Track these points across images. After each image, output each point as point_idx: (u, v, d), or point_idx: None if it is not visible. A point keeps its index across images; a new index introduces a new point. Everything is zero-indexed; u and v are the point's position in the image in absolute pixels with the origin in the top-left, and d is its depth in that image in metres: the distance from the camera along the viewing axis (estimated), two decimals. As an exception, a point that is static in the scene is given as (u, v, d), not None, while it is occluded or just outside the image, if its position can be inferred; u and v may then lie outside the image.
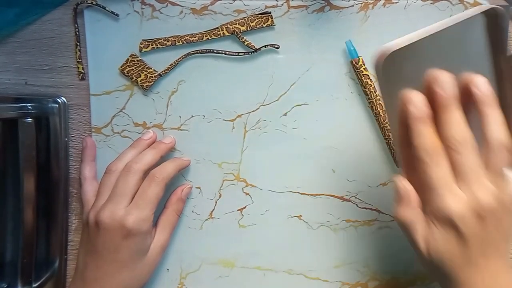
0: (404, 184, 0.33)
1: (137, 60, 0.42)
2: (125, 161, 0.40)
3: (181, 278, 0.44)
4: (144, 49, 0.42)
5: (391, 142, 0.42)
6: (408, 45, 0.31)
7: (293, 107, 0.43)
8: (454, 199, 0.30)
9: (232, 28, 0.42)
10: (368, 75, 0.41)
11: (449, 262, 0.31)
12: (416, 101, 0.31)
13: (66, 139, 0.44)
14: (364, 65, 0.41)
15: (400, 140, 0.33)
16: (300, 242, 0.44)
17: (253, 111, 0.43)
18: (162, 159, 0.41)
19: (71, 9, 0.42)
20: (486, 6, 0.32)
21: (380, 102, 0.41)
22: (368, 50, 0.42)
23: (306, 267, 0.44)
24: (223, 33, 0.42)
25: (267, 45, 0.42)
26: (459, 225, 0.30)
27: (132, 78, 0.43)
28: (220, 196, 0.44)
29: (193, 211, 0.44)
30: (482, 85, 0.30)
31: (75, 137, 0.44)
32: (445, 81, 0.30)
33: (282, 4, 0.42)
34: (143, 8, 0.42)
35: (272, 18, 0.42)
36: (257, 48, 0.42)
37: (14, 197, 0.42)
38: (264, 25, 0.42)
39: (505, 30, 0.33)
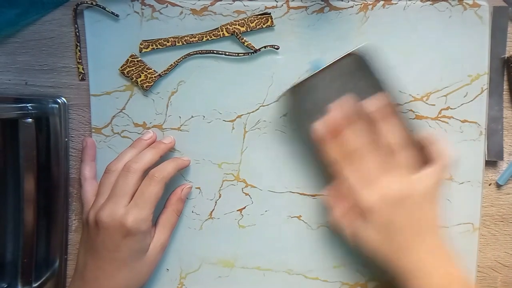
0: (328, 193, 0.39)
1: (137, 61, 0.43)
2: (124, 160, 0.40)
3: (180, 278, 0.44)
4: (144, 50, 0.42)
5: None
6: (303, 82, 0.39)
7: (292, 108, 0.43)
8: (367, 193, 0.36)
9: (232, 29, 0.42)
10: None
11: (377, 251, 0.36)
12: (318, 127, 0.38)
13: (66, 139, 0.44)
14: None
15: (321, 160, 0.39)
16: (300, 242, 0.44)
17: (253, 112, 0.43)
18: (162, 159, 0.41)
19: (71, 10, 0.42)
20: (351, 50, 0.39)
21: None
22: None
23: (305, 267, 0.44)
24: (223, 33, 0.42)
25: (267, 45, 0.42)
26: (375, 211, 0.35)
27: (132, 78, 0.43)
28: (220, 197, 0.44)
29: (193, 211, 0.44)
30: (370, 105, 0.37)
31: (75, 138, 0.44)
32: (340, 105, 0.38)
33: (282, 5, 0.42)
34: (143, 9, 0.42)
35: (272, 18, 0.42)
36: (257, 48, 0.42)
37: (14, 197, 0.42)
38: (264, 26, 0.42)
39: (374, 70, 0.39)
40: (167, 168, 0.40)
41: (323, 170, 0.40)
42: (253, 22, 0.42)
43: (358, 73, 0.39)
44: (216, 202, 0.44)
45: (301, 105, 0.40)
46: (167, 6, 0.42)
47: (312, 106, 0.39)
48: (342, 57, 0.39)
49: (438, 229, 0.37)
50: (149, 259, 0.40)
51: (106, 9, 0.42)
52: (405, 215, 0.36)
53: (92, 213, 0.38)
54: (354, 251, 0.42)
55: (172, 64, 0.43)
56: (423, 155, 0.38)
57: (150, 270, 0.41)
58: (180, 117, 0.43)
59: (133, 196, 0.38)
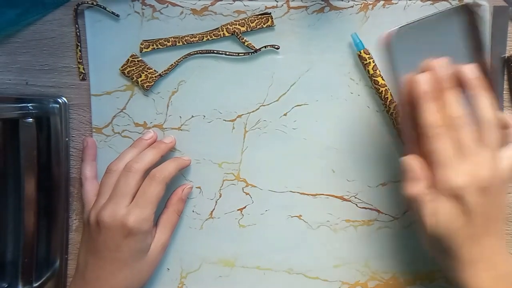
0: (411, 161, 0.35)
1: (138, 61, 0.43)
2: (125, 160, 0.40)
3: (181, 278, 0.44)
4: (144, 50, 0.42)
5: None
6: (406, 27, 0.36)
7: (293, 108, 0.43)
8: (457, 172, 0.32)
9: (232, 29, 0.42)
10: (371, 67, 0.41)
11: (453, 235, 0.33)
12: (422, 81, 0.34)
13: (67, 139, 0.44)
14: (371, 56, 0.41)
15: (405, 120, 0.36)
16: (300, 242, 0.44)
17: (253, 111, 0.43)
18: (163, 158, 0.41)
19: (72, 10, 0.42)
20: (464, 2, 0.36)
21: (386, 92, 0.42)
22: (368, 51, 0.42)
23: (306, 266, 0.44)
24: (223, 33, 0.42)
25: (267, 45, 0.42)
26: (463, 196, 0.32)
27: (133, 78, 0.43)
28: (220, 196, 0.44)
29: (193, 211, 0.44)
30: (472, 72, 0.34)
31: (76, 137, 0.44)
32: (443, 65, 0.34)
33: (282, 5, 0.42)
34: (144, 9, 0.42)
35: (272, 18, 0.42)
36: (257, 48, 0.42)
37: (15, 197, 0.42)
38: (264, 26, 0.42)
39: (479, 27, 0.37)
40: (168, 168, 0.40)
41: (409, 131, 0.36)
42: (253, 22, 0.42)
43: (464, 30, 0.36)
44: (216, 202, 0.44)
45: (401, 51, 0.36)
46: (167, 6, 0.42)
47: (406, 58, 0.36)
48: (453, 7, 0.37)
49: (505, 216, 0.35)
50: (150, 259, 0.40)
51: (107, 9, 0.42)
52: (488, 201, 0.33)
53: (93, 213, 0.38)
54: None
55: (172, 64, 0.43)
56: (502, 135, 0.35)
57: (151, 270, 0.41)
58: (180, 117, 0.43)
59: (134, 196, 0.38)
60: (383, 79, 0.41)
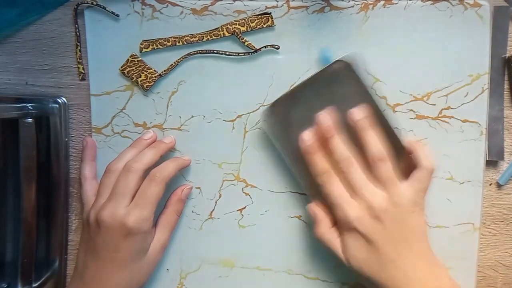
0: (313, 208, 0.39)
1: (138, 61, 0.43)
2: (124, 160, 0.40)
3: (181, 278, 0.44)
4: (144, 50, 0.42)
5: None
6: (285, 97, 0.40)
7: (293, 108, 0.43)
8: (351, 207, 0.36)
9: (232, 29, 0.42)
10: None
11: (366, 266, 0.36)
12: (304, 138, 0.38)
13: (66, 139, 0.44)
14: None
15: (302, 175, 0.40)
16: (300, 242, 0.44)
17: (253, 112, 0.43)
18: (162, 159, 0.41)
19: (72, 10, 0.42)
20: (336, 60, 0.39)
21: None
22: (368, 51, 0.42)
23: (305, 267, 0.44)
24: (223, 33, 0.42)
25: (267, 45, 0.42)
26: (359, 228, 0.35)
27: (133, 78, 0.43)
28: (220, 196, 0.44)
29: (193, 211, 0.44)
30: (357, 114, 0.37)
31: (75, 137, 0.44)
32: (324, 117, 0.38)
33: (282, 5, 0.42)
34: (144, 9, 0.42)
35: (272, 18, 0.42)
36: (257, 48, 0.42)
37: (15, 197, 0.42)
38: (264, 26, 0.42)
39: (361, 78, 0.39)
40: (168, 168, 0.40)
41: (310, 183, 0.39)
42: (253, 22, 0.42)
43: (345, 81, 0.39)
44: (216, 202, 0.44)
45: (287, 117, 0.40)
46: (167, 6, 0.42)
47: (299, 117, 0.40)
48: (329, 65, 0.39)
49: (425, 236, 0.36)
50: (149, 259, 0.40)
51: (107, 9, 0.42)
52: (392, 226, 0.35)
53: (93, 213, 0.38)
54: (342, 266, 0.41)
55: (172, 64, 0.43)
56: (409, 161, 0.38)
57: (150, 270, 0.41)
58: (180, 117, 0.43)
59: (133, 196, 0.38)
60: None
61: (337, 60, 0.39)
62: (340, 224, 0.37)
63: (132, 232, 0.37)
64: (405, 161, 0.38)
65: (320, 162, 0.37)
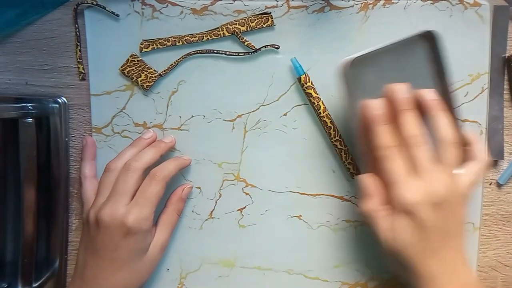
0: (366, 180, 0.37)
1: (138, 60, 0.43)
2: (124, 159, 0.40)
3: (181, 278, 0.44)
4: (144, 49, 0.42)
5: (342, 155, 0.42)
6: (365, 56, 0.37)
7: (293, 107, 0.43)
8: (410, 189, 0.34)
9: (232, 28, 0.42)
10: (313, 91, 0.42)
11: (409, 250, 0.34)
12: (375, 106, 0.36)
13: (67, 139, 0.44)
14: (309, 82, 0.41)
15: (362, 143, 0.38)
16: (300, 242, 0.44)
17: (253, 111, 0.43)
18: (162, 158, 0.41)
19: (72, 9, 0.42)
20: (424, 30, 0.38)
21: (326, 117, 0.42)
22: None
23: (305, 267, 0.44)
24: (223, 33, 0.42)
25: (267, 45, 0.42)
26: (415, 212, 0.33)
27: (133, 78, 0.43)
28: (220, 196, 0.44)
29: (193, 211, 0.44)
30: (431, 95, 0.36)
31: (76, 137, 0.44)
32: (401, 88, 0.35)
33: (282, 5, 0.42)
34: (144, 8, 0.42)
35: (272, 18, 0.42)
36: (257, 48, 0.42)
37: (15, 197, 0.42)
38: (264, 25, 0.42)
39: (441, 54, 0.38)
40: (168, 167, 0.40)
41: (367, 153, 0.37)
42: (253, 22, 0.42)
43: (424, 56, 0.38)
44: (216, 202, 0.44)
45: (358, 79, 0.37)
46: (167, 5, 0.42)
47: (369, 83, 0.37)
48: (412, 36, 0.38)
49: (464, 231, 0.36)
50: (149, 259, 0.40)
51: (107, 8, 0.42)
52: (442, 216, 0.34)
53: (92, 212, 0.38)
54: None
55: (172, 64, 0.43)
56: (462, 153, 0.37)
57: (150, 269, 0.41)
58: (180, 116, 0.43)
59: (133, 195, 0.38)
60: (323, 103, 0.42)
61: (421, 32, 0.38)
62: (393, 203, 0.34)
63: (131, 231, 0.37)
64: (460, 151, 0.37)
65: (386, 134, 0.35)
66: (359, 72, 0.38)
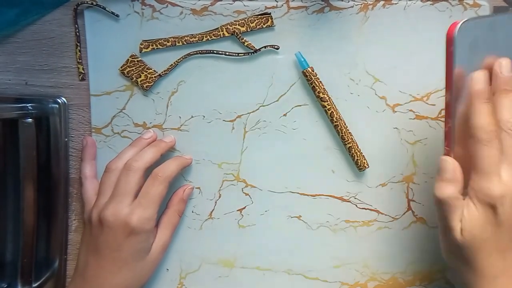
0: (449, 162, 0.32)
1: (137, 61, 0.43)
2: (124, 159, 0.40)
3: (180, 278, 0.44)
4: (144, 50, 0.42)
5: (351, 148, 0.42)
6: (478, 21, 0.32)
7: (292, 108, 0.43)
8: (499, 182, 0.30)
9: (232, 29, 0.42)
10: (321, 83, 0.41)
11: (479, 245, 0.31)
12: (480, 79, 0.31)
13: (66, 139, 0.44)
14: (315, 75, 0.41)
15: (459, 117, 0.33)
16: (300, 242, 0.44)
17: (253, 112, 0.43)
18: (163, 159, 0.41)
19: (72, 10, 0.42)
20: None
21: (334, 109, 0.42)
22: (368, 51, 0.42)
23: (305, 267, 0.44)
24: (223, 33, 0.42)
25: (267, 45, 0.42)
26: (498, 207, 0.30)
27: (132, 78, 0.43)
28: (220, 197, 0.44)
29: (193, 211, 0.44)
30: None
31: (75, 138, 0.44)
32: (505, 65, 0.31)
33: (282, 5, 0.42)
34: (143, 9, 0.42)
35: (272, 18, 0.42)
36: (257, 48, 0.42)
37: (14, 197, 0.42)
38: (264, 26, 0.42)
39: None
40: (170, 167, 0.40)
41: (458, 128, 0.33)
42: (253, 22, 0.42)
43: None
44: (216, 202, 0.44)
45: (465, 45, 0.32)
46: (167, 6, 0.42)
47: (476, 51, 0.33)
48: None
49: None
50: (151, 259, 0.40)
51: (106, 9, 0.42)
52: None
53: (95, 212, 0.38)
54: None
55: (172, 64, 0.43)
56: None
57: (151, 270, 0.41)
58: (180, 117, 0.43)
59: (135, 194, 0.38)
60: (328, 96, 0.41)
61: None
62: (476, 194, 0.31)
63: (135, 231, 0.37)
64: None
65: (487, 115, 0.31)
66: (476, 35, 0.33)
